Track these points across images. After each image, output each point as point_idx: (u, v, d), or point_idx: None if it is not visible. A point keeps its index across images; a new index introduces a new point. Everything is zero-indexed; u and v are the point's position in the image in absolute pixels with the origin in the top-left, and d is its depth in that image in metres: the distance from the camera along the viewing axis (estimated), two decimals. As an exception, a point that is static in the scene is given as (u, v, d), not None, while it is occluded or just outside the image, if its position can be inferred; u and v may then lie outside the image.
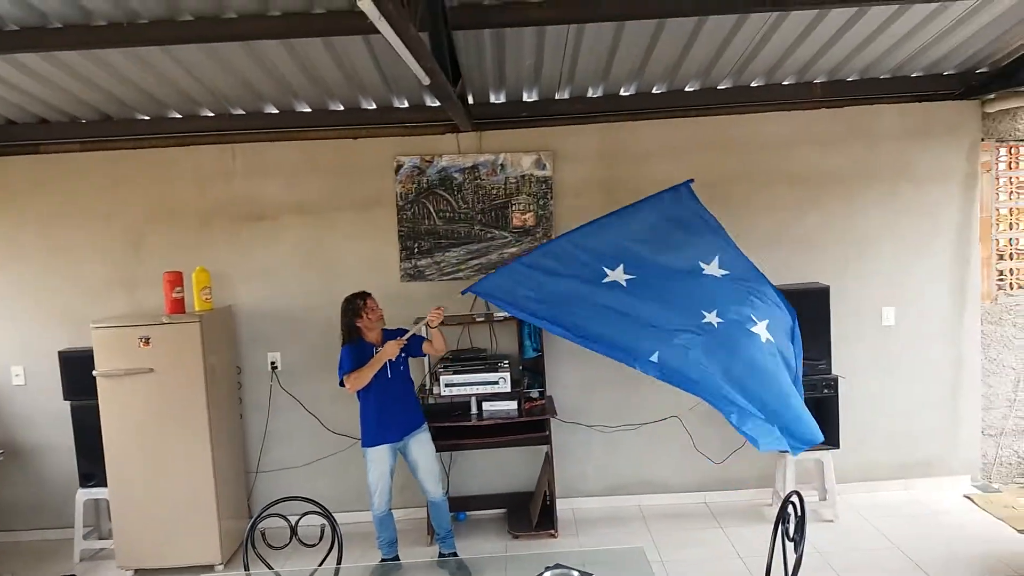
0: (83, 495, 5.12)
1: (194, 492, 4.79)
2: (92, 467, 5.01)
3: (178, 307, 4.91)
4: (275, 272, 5.34)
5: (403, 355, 4.45)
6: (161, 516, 4.78)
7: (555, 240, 4.17)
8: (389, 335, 4.46)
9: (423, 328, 4.43)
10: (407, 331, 4.45)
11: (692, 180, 4.08)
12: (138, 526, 4.80)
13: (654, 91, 5.09)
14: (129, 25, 3.56)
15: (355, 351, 4.39)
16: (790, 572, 2.87)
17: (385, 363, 4.35)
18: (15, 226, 5.34)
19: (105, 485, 4.87)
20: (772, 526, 3.04)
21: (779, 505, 3.08)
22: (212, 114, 5.06)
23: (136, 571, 4.87)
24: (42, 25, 3.56)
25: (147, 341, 4.73)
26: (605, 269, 3.84)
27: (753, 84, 5.09)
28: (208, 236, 5.31)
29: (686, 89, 5.10)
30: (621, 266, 3.83)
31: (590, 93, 5.08)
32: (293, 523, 3.15)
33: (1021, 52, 4.74)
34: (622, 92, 5.09)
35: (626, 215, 3.97)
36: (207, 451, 4.78)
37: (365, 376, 4.32)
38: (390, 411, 4.45)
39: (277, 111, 5.06)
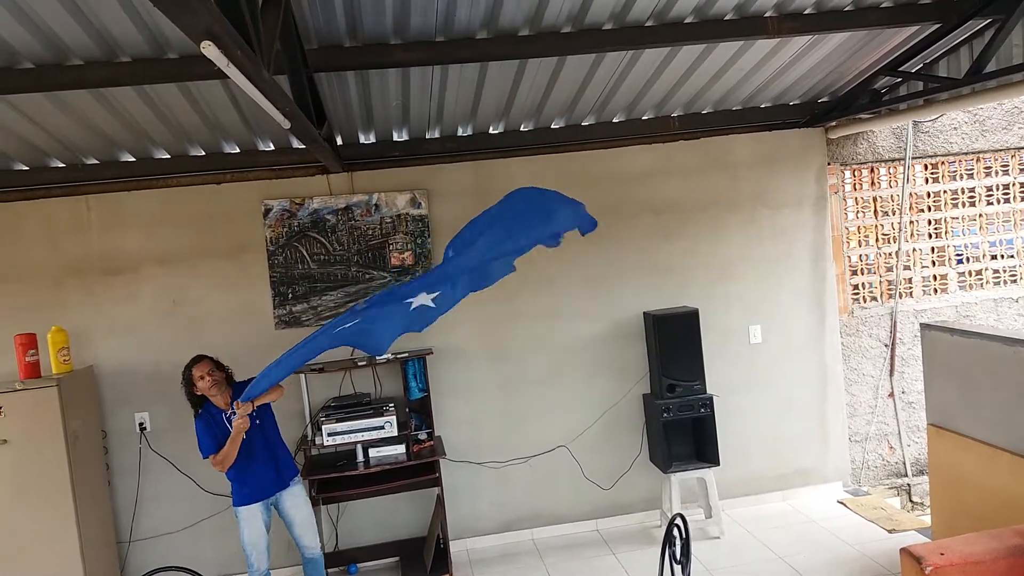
0: (-71, 586, 4.65)
1: (60, 569, 4.44)
2: (-62, 554, 4.56)
3: (33, 371, 4.58)
4: (138, 328, 5.06)
5: (254, 414, 4.18)
6: (22, 599, 4.39)
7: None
8: (239, 388, 4.21)
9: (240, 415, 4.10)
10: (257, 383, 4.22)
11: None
12: (-4, 613, 4.40)
13: (522, 128, 5.20)
14: (-40, 74, 3.33)
15: (208, 423, 4.12)
16: (678, 594, 2.93)
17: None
18: None
19: (-44, 570, 4.45)
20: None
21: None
22: (62, 164, 4.79)
23: (-4, 665, 4.46)
24: None
25: (-1, 410, 4.39)
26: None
27: (615, 120, 5.28)
28: (62, 294, 4.98)
29: (552, 126, 5.23)
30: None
31: (460, 132, 5.13)
32: (166, 595, 2.96)
33: (855, 83, 5.14)
34: (491, 130, 5.17)
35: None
36: (72, 525, 4.45)
37: (230, 456, 4.06)
38: (254, 470, 4.20)
39: (134, 159, 4.84)
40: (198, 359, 4.21)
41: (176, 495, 5.10)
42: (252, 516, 4.22)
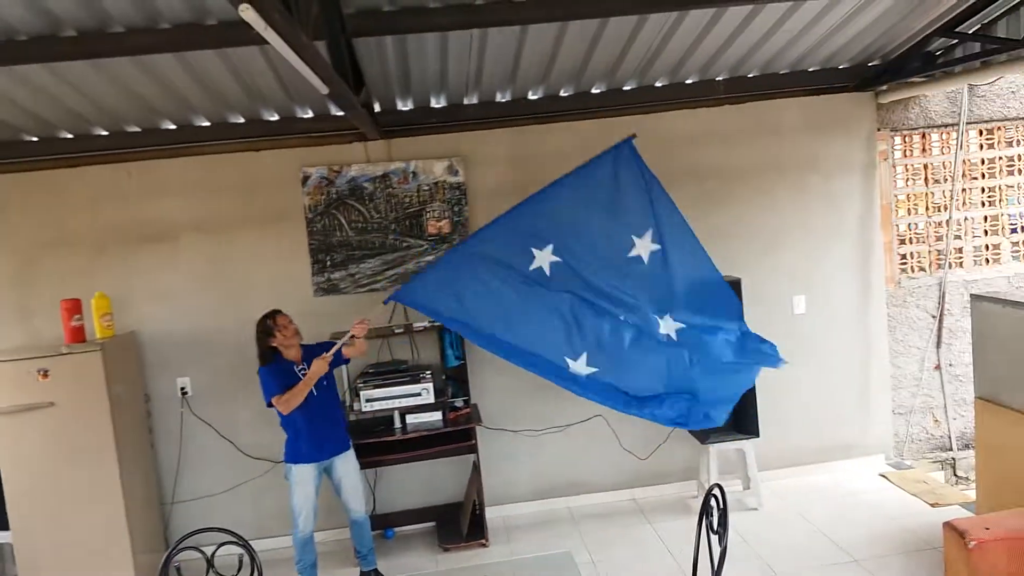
0: (-17, 541, 4.81)
1: (105, 528, 4.57)
2: (-9, 511, 4.71)
3: (78, 336, 4.66)
4: (179, 294, 5.12)
5: (328, 369, 4.32)
6: (71, 556, 4.54)
7: (486, 227, 4.06)
8: (309, 351, 4.33)
9: (349, 339, 4.30)
10: (331, 344, 4.32)
11: (634, 135, 4.01)
12: (47, 569, 4.55)
13: (561, 94, 5.10)
14: (8, 43, 3.35)
15: (276, 370, 4.22)
16: (715, 565, 2.89)
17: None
18: None
19: (7, 528, 4.59)
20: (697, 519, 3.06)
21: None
22: (105, 132, 4.83)
23: (47, 616, 4.61)
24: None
25: (45, 373, 4.48)
26: (533, 251, 3.90)
27: (657, 84, 5.15)
28: (105, 260, 5.05)
29: (592, 91, 5.12)
30: (550, 246, 3.91)
31: (498, 97, 5.06)
32: (209, 555, 3.01)
33: (908, 46, 4.94)
34: (530, 96, 5.08)
35: (566, 183, 3.93)
36: (117, 485, 4.56)
37: (298, 396, 4.16)
38: (317, 429, 4.31)
39: (174, 126, 4.86)
40: (278, 312, 4.32)
41: (217, 458, 5.18)
42: (306, 478, 4.32)
